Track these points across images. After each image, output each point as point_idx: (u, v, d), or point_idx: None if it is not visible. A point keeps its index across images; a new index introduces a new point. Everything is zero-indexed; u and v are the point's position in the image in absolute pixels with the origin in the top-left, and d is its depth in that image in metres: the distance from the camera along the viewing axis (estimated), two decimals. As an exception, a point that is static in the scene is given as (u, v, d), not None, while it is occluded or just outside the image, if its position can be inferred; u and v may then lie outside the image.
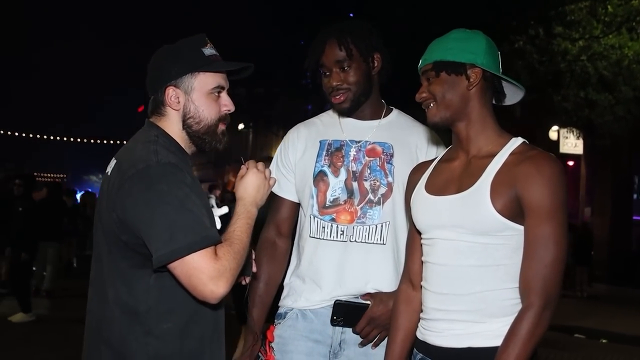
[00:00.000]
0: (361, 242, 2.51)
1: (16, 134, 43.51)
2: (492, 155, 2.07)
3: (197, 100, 2.08)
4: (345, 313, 2.48)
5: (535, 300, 1.93)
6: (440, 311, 2.09)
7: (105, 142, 46.93)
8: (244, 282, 2.22)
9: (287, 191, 2.67)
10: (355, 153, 2.56)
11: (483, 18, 12.56)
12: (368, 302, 2.49)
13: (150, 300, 1.95)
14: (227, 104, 2.13)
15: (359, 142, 2.58)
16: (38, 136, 43.68)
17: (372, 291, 2.49)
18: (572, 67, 13.02)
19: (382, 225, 2.51)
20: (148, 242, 1.87)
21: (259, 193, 2.15)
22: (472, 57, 2.08)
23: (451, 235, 2.07)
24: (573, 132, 15.83)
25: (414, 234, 2.26)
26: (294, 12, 17.45)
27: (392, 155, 2.56)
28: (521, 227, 1.99)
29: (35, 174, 21.54)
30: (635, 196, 17.05)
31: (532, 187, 1.96)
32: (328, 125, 2.66)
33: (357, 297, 2.50)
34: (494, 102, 2.19)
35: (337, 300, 2.49)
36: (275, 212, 2.69)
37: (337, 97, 2.53)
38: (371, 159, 2.56)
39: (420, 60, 2.17)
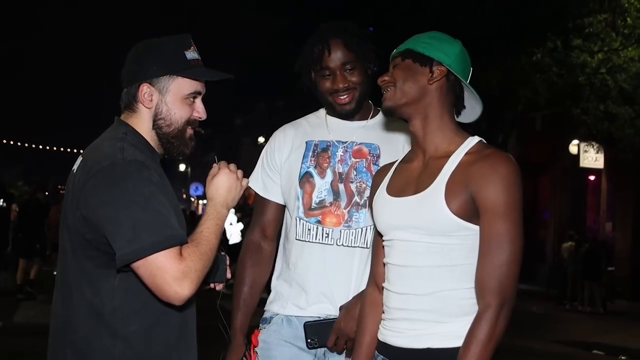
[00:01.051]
0: (347, 246, 2.47)
1: (40, 146, 44.01)
2: (448, 156, 2.06)
3: (170, 102, 2.05)
4: (317, 332, 2.46)
5: (492, 301, 1.91)
6: (402, 310, 2.07)
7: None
8: (217, 288, 2.18)
9: (272, 193, 2.63)
10: (341, 154, 2.52)
11: (501, 30, 12.54)
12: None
13: (115, 301, 1.90)
14: (199, 112, 2.10)
15: (345, 142, 2.54)
16: (58, 149, 44.09)
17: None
18: (592, 80, 12.93)
19: (366, 229, 2.47)
20: (112, 240, 1.82)
21: (230, 194, 2.08)
22: (441, 55, 2.08)
23: (408, 236, 2.06)
24: (593, 145, 15.65)
25: (377, 236, 2.25)
26: (313, 24, 17.51)
27: (378, 157, 2.52)
28: (477, 227, 1.98)
29: (60, 186, 21.98)
30: (657, 211, 16.75)
31: (485, 186, 1.95)
32: (315, 126, 2.62)
33: (328, 317, 2.46)
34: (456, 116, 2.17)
35: (306, 322, 2.46)
36: (260, 215, 2.65)
37: (343, 97, 2.50)
38: (357, 160, 2.52)
39: (394, 51, 2.17)
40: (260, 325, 2.60)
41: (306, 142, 2.58)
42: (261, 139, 30.07)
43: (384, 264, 2.17)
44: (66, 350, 1.95)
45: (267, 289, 2.67)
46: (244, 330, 2.59)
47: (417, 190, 2.07)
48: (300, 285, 2.50)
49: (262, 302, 2.66)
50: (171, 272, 1.79)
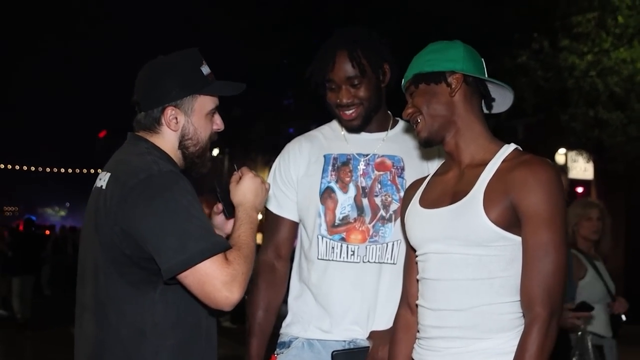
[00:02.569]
0: (375, 262, 2.58)
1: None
2: (485, 164, 2.18)
3: (196, 122, 2.25)
4: None
5: (541, 312, 2.03)
6: (437, 328, 2.18)
7: (62, 170, 46.68)
8: None
9: (287, 210, 2.72)
10: (364, 167, 2.64)
11: (483, 31, 12.76)
12: (367, 344, 2.55)
13: (156, 316, 2.08)
14: (218, 123, 2.32)
15: (366, 155, 2.66)
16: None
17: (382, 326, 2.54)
18: (580, 84, 13.13)
19: (393, 244, 2.58)
20: (157, 253, 1.99)
21: (258, 198, 2.28)
22: (450, 64, 2.23)
23: (444, 248, 2.17)
24: (582, 154, 15.95)
25: (410, 253, 2.36)
26: (275, 25, 17.54)
27: (402, 169, 2.64)
28: (516, 238, 2.10)
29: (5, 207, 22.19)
30: (651, 225, 17.17)
31: (527, 193, 2.07)
32: (331, 139, 2.73)
33: (355, 341, 2.56)
34: (485, 110, 2.31)
35: (334, 352, 2.55)
36: (273, 233, 2.74)
37: (348, 113, 2.61)
38: (381, 173, 2.63)
39: (403, 79, 2.33)
40: (278, 350, 2.68)
41: (324, 156, 2.69)
42: (215, 151, 29.90)
43: (418, 280, 2.28)
44: None
45: None
46: (261, 356, 2.69)
47: (453, 201, 2.19)
48: (323, 307, 2.60)
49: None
50: (220, 278, 1.98)
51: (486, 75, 2.27)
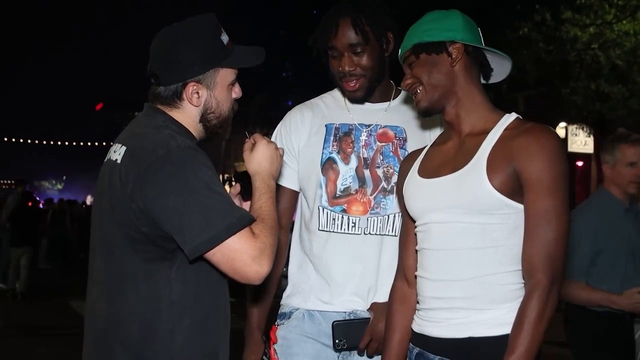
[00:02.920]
0: (376, 234, 2.57)
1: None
2: (486, 132, 2.17)
3: (218, 95, 2.18)
4: (346, 333, 2.54)
5: (542, 278, 2.01)
6: (438, 299, 2.16)
7: (59, 143, 46.67)
8: None
9: (288, 179, 2.70)
10: (366, 138, 2.62)
11: (485, 2, 12.71)
12: (368, 315, 2.55)
13: (172, 294, 2.02)
14: (237, 92, 2.24)
15: (369, 126, 2.64)
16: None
17: (382, 297, 2.53)
18: (582, 57, 13.17)
19: (395, 216, 2.57)
20: (179, 232, 1.93)
21: (274, 165, 2.22)
22: (450, 34, 2.20)
23: (446, 217, 2.15)
24: (583, 128, 15.97)
25: (408, 224, 2.34)
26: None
27: (405, 140, 2.62)
28: (519, 206, 2.08)
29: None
30: (651, 199, 17.20)
31: (530, 160, 2.05)
32: (333, 108, 2.70)
33: (355, 312, 2.57)
34: (483, 80, 2.29)
35: (334, 322, 2.54)
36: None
37: (351, 84, 2.58)
38: (383, 144, 2.61)
39: (400, 49, 2.29)
40: (278, 320, 2.68)
41: (326, 126, 2.66)
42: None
43: (417, 251, 2.27)
44: (116, 350, 2.03)
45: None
46: (262, 327, 2.68)
47: (455, 169, 2.17)
48: (324, 278, 2.59)
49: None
50: (249, 252, 1.93)
51: (482, 43, 2.25)
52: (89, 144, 47.31)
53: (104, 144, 46.96)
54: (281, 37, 18.09)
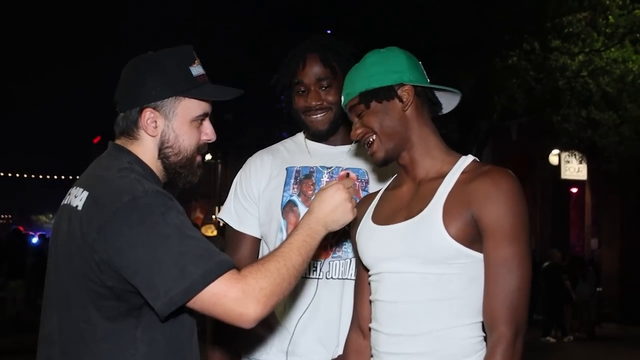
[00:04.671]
0: (338, 278, 2.50)
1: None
2: (442, 176, 2.08)
3: (178, 128, 1.99)
4: None
5: (505, 331, 1.92)
6: (393, 355, 2.06)
7: (56, 177, 46.67)
8: None
9: (248, 226, 2.63)
10: (327, 180, 2.56)
11: (472, 32, 12.73)
12: None
13: (137, 356, 1.83)
14: (208, 133, 2.05)
15: (330, 168, 2.59)
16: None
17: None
18: (572, 84, 13.18)
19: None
20: (149, 286, 1.75)
21: (334, 213, 2.01)
22: (397, 76, 2.11)
23: (400, 267, 2.06)
24: (575, 155, 15.97)
25: (362, 273, 2.25)
26: (265, 29, 17.50)
27: (367, 182, 2.57)
28: (478, 255, 2.00)
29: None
30: (646, 225, 17.13)
31: (489, 205, 1.97)
32: (294, 152, 2.65)
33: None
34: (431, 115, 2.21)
35: None
36: (234, 250, 2.63)
37: (316, 117, 2.54)
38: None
39: (342, 97, 2.19)
40: None
41: (286, 169, 2.60)
42: (208, 157, 29.82)
43: (371, 302, 2.17)
44: None
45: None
46: None
47: (409, 216, 2.08)
48: (284, 327, 2.51)
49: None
50: (230, 296, 1.75)
51: (427, 80, 2.17)
52: (86, 177, 47.32)
53: (101, 177, 47.01)
54: (274, 68, 18.13)
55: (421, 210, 2.05)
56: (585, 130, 13.58)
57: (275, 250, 1.91)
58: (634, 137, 13.30)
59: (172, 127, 1.98)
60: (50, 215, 66.03)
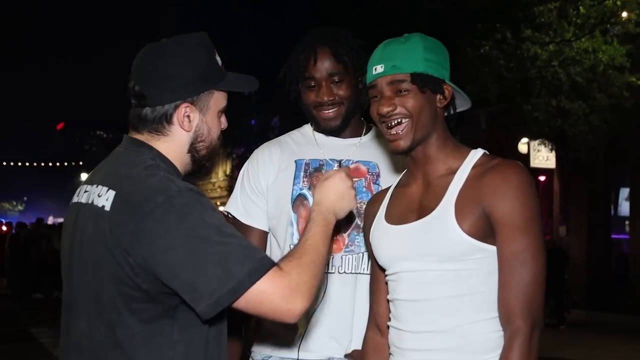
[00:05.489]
0: (351, 272, 2.48)
1: None
2: (453, 173, 2.08)
3: (210, 121, 1.96)
4: None
5: (522, 325, 1.92)
6: (418, 351, 2.06)
7: (20, 164, 45.94)
8: None
9: (256, 219, 2.61)
10: None
11: (445, 21, 12.76)
12: None
13: (176, 357, 1.80)
14: (224, 122, 2.03)
15: (340, 161, 2.56)
16: None
17: (357, 343, 2.43)
18: (543, 74, 13.26)
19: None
20: (191, 288, 1.70)
21: (341, 202, 2.03)
22: (445, 73, 2.10)
23: (417, 265, 2.06)
24: (545, 144, 16.10)
25: (377, 272, 2.24)
26: (236, 16, 17.37)
27: (378, 175, 2.55)
28: (493, 248, 2.00)
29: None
30: (613, 213, 17.39)
31: (500, 200, 1.97)
32: (302, 144, 2.63)
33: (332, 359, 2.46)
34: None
35: None
36: None
37: (328, 112, 2.50)
38: (356, 179, 2.52)
39: (381, 64, 2.08)
40: None
41: (295, 162, 2.58)
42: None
43: (390, 301, 2.17)
44: None
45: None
46: None
47: (421, 215, 2.07)
48: (297, 322, 2.48)
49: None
50: (278, 292, 1.73)
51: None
52: (50, 164, 46.66)
53: (65, 163, 46.35)
54: (244, 57, 18.00)
55: (433, 208, 2.05)
56: (555, 120, 13.68)
57: (303, 243, 1.89)
58: (602, 127, 13.47)
59: (206, 121, 1.95)
60: (14, 202, 65.06)
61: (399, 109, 2.06)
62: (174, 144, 1.94)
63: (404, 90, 2.06)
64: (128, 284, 1.76)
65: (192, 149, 1.96)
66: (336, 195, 2.03)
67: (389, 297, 2.17)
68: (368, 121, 2.63)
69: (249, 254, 1.74)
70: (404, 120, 2.07)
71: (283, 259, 1.84)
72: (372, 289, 2.29)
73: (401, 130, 2.07)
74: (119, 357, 1.79)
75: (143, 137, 1.94)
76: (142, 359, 1.78)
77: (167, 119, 1.91)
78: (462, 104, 2.20)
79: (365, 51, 2.54)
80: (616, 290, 15.92)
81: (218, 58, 1.96)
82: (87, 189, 1.91)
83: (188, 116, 1.91)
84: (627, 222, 16.85)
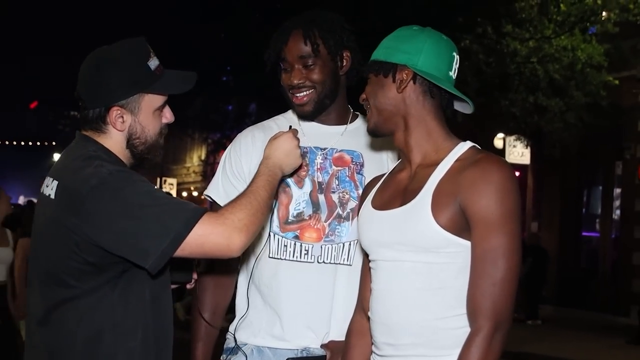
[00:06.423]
0: (330, 263, 2.44)
1: None
2: (437, 163, 2.05)
3: (143, 120, 2.15)
4: None
5: (484, 324, 1.90)
6: (390, 346, 2.05)
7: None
8: (188, 286, 2.34)
9: None
10: (321, 161, 2.50)
11: (426, 13, 12.74)
12: (322, 352, 2.42)
13: (115, 317, 2.01)
14: (168, 117, 2.21)
15: (324, 149, 2.52)
16: None
17: (335, 334, 2.42)
18: (521, 70, 13.35)
19: (350, 244, 2.45)
20: (138, 250, 1.92)
21: (287, 158, 2.23)
22: (404, 57, 2.08)
23: (393, 254, 2.04)
24: (520, 140, 16.19)
25: (365, 256, 2.23)
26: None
27: (362, 165, 2.50)
28: (468, 243, 1.97)
29: None
30: (584, 210, 17.52)
31: (476, 195, 1.94)
32: (286, 129, 2.56)
33: (308, 349, 2.44)
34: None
35: (289, 359, 2.42)
36: None
37: (299, 96, 2.46)
38: (339, 168, 2.49)
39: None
40: (224, 355, 2.54)
41: None
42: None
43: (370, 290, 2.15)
44: None
45: None
46: None
47: (404, 202, 2.05)
48: (274, 310, 2.45)
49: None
50: (215, 232, 1.95)
51: (452, 74, 2.12)
52: (22, 143, 46.19)
53: (38, 143, 45.89)
54: (221, 40, 17.85)
55: (413, 197, 2.03)
56: (532, 116, 13.77)
57: (244, 191, 2.11)
58: (578, 125, 13.59)
59: (138, 121, 2.14)
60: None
61: (362, 96, 2.17)
62: (112, 141, 2.14)
63: (368, 79, 2.17)
64: (76, 259, 1.98)
65: (130, 145, 2.16)
66: (283, 152, 2.23)
67: (371, 285, 2.15)
68: (355, 109, 2.58)
69: (182, 207, 1.97)
70: (367, 107, 2.17)
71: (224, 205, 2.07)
72: (361, 273, 2.29)
73: (368, 116, 2.18)
74: (65, 319, 2.01)
75: (89, 133, 2.16)
76: (84, 320, 2.00)
77: (102, 120, 2.12)
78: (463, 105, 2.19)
79: (349, 33, 2.49)
80: (585, 286, 16.07)
81: (152, 62, 2.13)
82: (45, 181, 2.12)
83: (121, 117, 2.11)
84: (597, 221, 16.99)
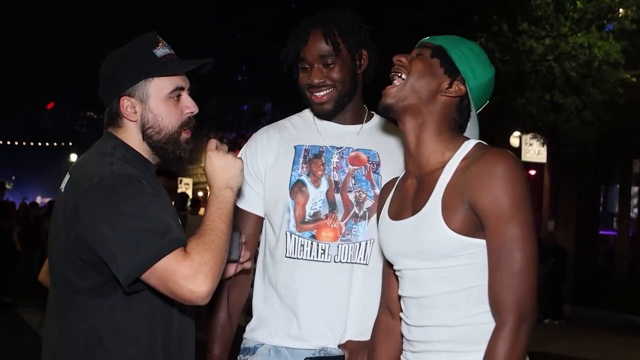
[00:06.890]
0: (347, 262, 2.43)
1: None
2: (444, 166, 2.04)
3: (155, 108, 2.11)
4: None
5: (508, 317, 1.88)
6: (424, 343, 2.07)
7: (9, 143, 45.71)
8: (232, 271, 2.27)
9: (253, 204, 2.55)
10: (337, 160, 2.49)
11: (441, 12, 12.70)
12: (340, 352, 2.42)
13: (116, 322, 1.98)
14: (189, 106, 2.15)
15: (340, 148, 2.51)
16: None
17: (351, 333, 2.41)
18: (538, 68, 13.25)
19: (366, 243, 2.44)
20: (112, 259, 1.89)
21: (226, 173, 2.10)
22: (469, 75, 2.07)
23: (415, 263, 2.06)
24: (537, 138, 16.09)
25: (386, 259, 2.24)
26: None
27: (378, 164, 2.49)
28: (484, 242, 1.96)
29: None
30: (601, 209, 17.40)
31: (483, 190, 1.92)
32: (302, 129, 2.57)
33: (325, 349, 2.43)
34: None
35: (307, 358, 2.42)
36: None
37: (319, 95, 2.45)
38: (355, 167, 2.49)
39: (429, 36, 2.16)
40: (241, 355, 2.53)
41: (295, 147, 2.52)
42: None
43: (399, 297, 2.17)
44: None
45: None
46: None
47: (414, 211, 2.06)
48: (291, 310, 2.44)
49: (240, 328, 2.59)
50: (180, 273, 1.85)
51: (477, 112, 2.14)
52: (39, 143, 46.46)
53: (55, 144, 46.14)
54: (236, 40, 17.89)
55: (423, 205, 2.02)
56: (548, 114, 13.67)
57: (202, 226, 1.99)
58: (595, 123, 13.46)
59: (149, 108, 2.11)
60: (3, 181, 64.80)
61: (404, 60, 2.11)
62: (129, 134, 2.13)
63: (421, 54, 2.12)
64: (73, 255, 1.98)
65: (145, 136, 2.13)
66: (219, 170, 2.10)
67: (399, 292, 2.16)
68: (370, 108, 2.56)
69: (163, 232, 1.89)
70: (401, 75, 2.10)
71: (188, 241, 1.94)
72: (383, 274, 2.29)
73: (393, 86, 2.10)
74: (69, 317, 2.01)
75: (110, 129, 2.17)
76: (87, 319, 1.98)
77: (117, 113, 2.12)
78: (470, 130, 2.18)
79: (366, 32, 2.49)
80: (602, 286, 15.95)
81: (160, 50, 2.11)
82: (65, 177, 2.13)
83: (133, 107, 2.10)
84: (615, 219, 16.86)
